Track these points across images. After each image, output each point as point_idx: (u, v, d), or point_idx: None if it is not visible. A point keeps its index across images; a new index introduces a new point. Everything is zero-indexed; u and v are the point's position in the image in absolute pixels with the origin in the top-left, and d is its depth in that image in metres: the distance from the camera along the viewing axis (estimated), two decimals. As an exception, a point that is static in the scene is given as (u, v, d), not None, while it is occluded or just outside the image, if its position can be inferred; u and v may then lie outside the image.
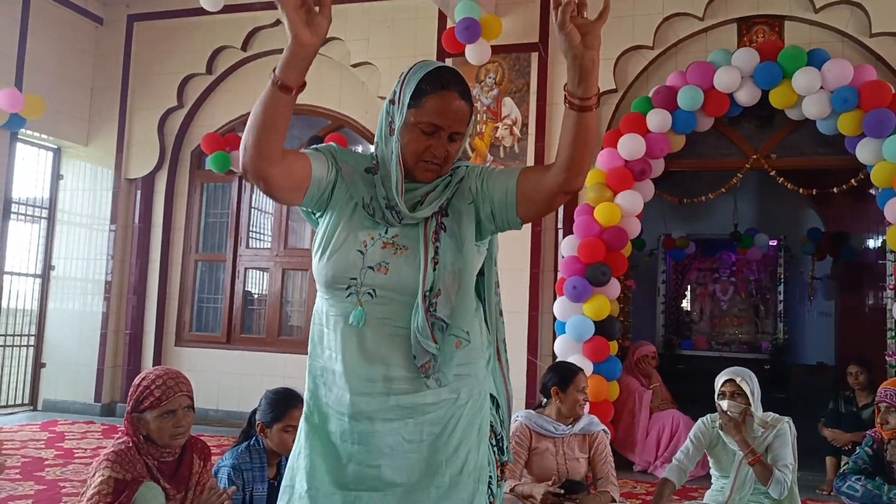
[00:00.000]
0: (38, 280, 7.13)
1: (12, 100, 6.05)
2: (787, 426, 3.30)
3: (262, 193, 1.68)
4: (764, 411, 3.36)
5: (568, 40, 1.52)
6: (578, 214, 5.48)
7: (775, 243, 9.73)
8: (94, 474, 2.33)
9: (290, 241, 7.02)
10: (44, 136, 6.91)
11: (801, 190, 5.67)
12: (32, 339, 7.09)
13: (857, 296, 8.84)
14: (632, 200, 5.40)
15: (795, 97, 5.15)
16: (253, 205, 7.14)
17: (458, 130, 1.69)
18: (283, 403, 2.87)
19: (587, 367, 5.06)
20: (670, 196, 6.08)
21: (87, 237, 7.13)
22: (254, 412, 2.94)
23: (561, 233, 5.73)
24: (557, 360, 5.17)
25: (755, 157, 5.57)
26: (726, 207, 9.22)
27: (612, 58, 5.75)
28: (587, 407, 3.58)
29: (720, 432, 3.37)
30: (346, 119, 6.72)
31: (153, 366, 6.85)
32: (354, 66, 6.47)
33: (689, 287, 10.42)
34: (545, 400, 3.50)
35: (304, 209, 1.75)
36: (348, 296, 1.67)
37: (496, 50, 5.81)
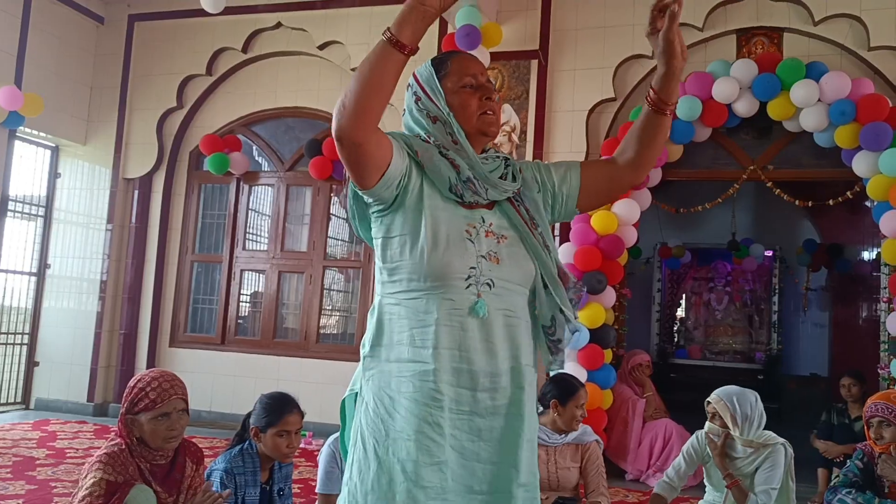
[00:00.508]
0: (34, 278, 7.11)
1: (11, 97, 6.05)
2: (780, 448, 3.24)
3: (345, 162, 1.54)
4: (769, 431, 3.31)
5: (669, 47, 1.61)
6: (575, 222, 5.49)
7: (771, 254, 9.75)
8: (86, 475, 2.33)
9: (287, 244, 7.01)
10: (42, 134, 6.90)
11: (797, 201, 5.69)
12: (26, 337, 7.07)
13: (851, 308, 8.87)
14: (628, 209, 5.41)
15: (793, 109, 5.17)
16: (250, 206, 7.14)
17: (489, 80, 1.76)
18: (278, 408, 2.86)
19: (581, 374, 5.07)
20: (667, 205, 6.10)
21: (83, 236, 7.12)
22: (248, 416, 2.94)
23: (557, 240, 5.74)
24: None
25: (752, 167, 5.59)
26: (722, 217, 9.24)
27: (612, 66, 5.77)
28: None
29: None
30: (344, 123, 6.72)
31: (147, 366, 6.86)
32: (354, 69, 6.44)
33: (684, 296, 10.43)
34: (541, 408, 3.51)
35: (369, 197, 1.64)
36: (468, 287, 1.61)
37: (496, 57, 5.83)
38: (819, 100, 5.06)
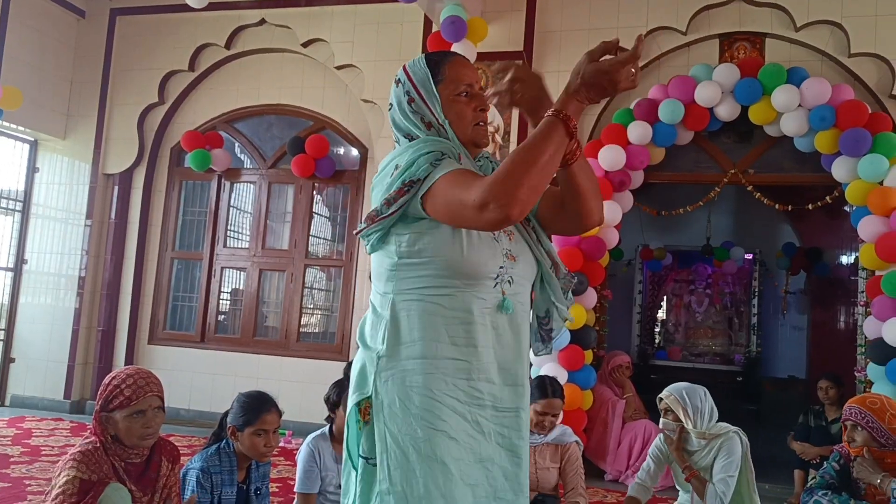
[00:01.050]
0: (10, 274, 7.02)
1: (-11, 90, 5.97)
2: (734, 437, 3.34)
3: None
4: (723, 422, 3.41)
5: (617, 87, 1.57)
6: (557, 223, 5.49)
7: (751, 257, 9.83)
8: (59, 474, 2.29)
9: (269, 242, 6.97)
10: (20, 128, 6.81)
11: (777, 205, 5.73)
12: (2, 333, 6.97)
13: (829, 311, 8.96)
14: (611, 211, 5.43)
15: (774, 114, 5.21)
16: (232, 204, 7.09)
17: (482, 87, 1.78)
18: (256, 407, 2.84)
19: (562, 375, 5.08)
20: (649, 207, 6.13)
21: (61, 231, 7.04)
22: (225, 414, 2.91)
23: (540, 241, 5.74)
24: (532, 368, 5.17)
25: (733, 171, 5.63)
26: (704, 220, 9.31)
27: (595, 69, 5.77)
28: (560, 418, 3.62)
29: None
30: (328, 121, 6.70)
31: (125, 364, 6.79)
32: (338, 67, 6.45)
33: (665, 298, 10.49)
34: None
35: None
36: (495, 285, 1.63)
37: (481, 57, 5.82)
38: (800, 105, 5.11)
